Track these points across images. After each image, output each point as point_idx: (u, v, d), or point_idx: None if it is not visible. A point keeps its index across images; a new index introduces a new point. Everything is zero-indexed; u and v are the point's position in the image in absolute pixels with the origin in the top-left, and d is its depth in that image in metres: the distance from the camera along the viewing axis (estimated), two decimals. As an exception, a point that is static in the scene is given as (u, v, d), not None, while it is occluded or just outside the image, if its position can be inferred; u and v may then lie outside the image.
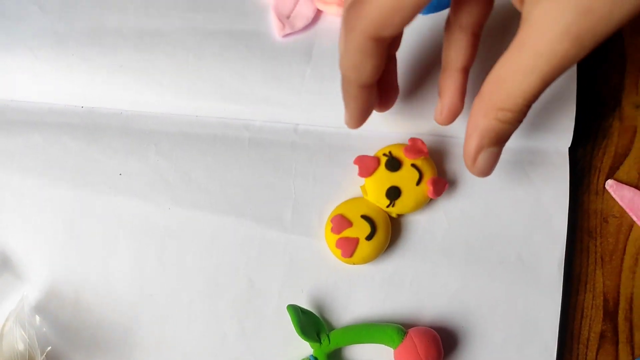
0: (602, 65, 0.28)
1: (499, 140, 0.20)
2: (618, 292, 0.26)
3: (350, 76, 0.21)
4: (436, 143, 0.27)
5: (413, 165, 0.25)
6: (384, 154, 0.25)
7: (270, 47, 0.28)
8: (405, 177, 0.25)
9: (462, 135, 0.26)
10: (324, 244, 0.26)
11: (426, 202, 0.25)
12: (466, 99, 0.23)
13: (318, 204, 0.27)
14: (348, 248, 0.24)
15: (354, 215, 0.25)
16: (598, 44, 0.17)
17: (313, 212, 0.27)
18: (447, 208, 0.26)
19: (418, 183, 0.25)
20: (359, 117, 0.23)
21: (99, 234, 0.27)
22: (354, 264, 0.25)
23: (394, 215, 0.25)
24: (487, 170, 0.20)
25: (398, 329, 0.24)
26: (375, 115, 0.26)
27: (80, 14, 0.30)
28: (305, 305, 0.26)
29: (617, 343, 0.25)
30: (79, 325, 0.27)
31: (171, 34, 0.29)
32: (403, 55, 0.27)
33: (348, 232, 0.25)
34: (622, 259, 0.26)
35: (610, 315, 0.26)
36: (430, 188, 0.25)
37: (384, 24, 0.19)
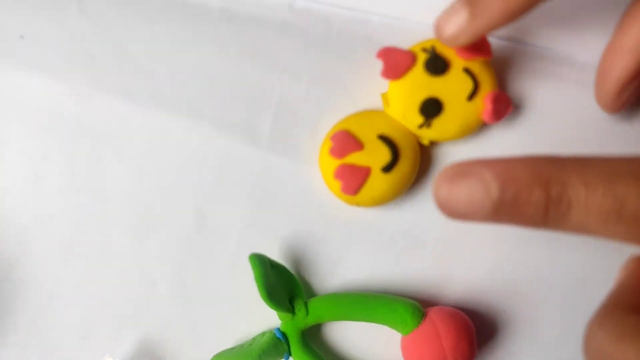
0: None
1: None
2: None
3: None
4: (501, 48, 0.18)
5: (466, 70, 0.17)
6: (424, 49, 0.17)
7: None
8: (452, 86, 0.17)
9: (542, 42, 0.18)
10: (315, 171, 0.18)
11: (477, 128, 0.17)
12: None
13: (312, 115, 0.18)
14: (353, 180, 0.16)
15: (367, 134, 0.17)
16: None
17: (303, 125, 0.18)
18: (504, 141, 0.18)
19: (471, 97, 0.16)
20: None
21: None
22: (358, 205, 0.17)
23: (425, 142, 0.17)
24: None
25: (413, 307, 0.17)
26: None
27: None
28: (277, 257, 0.18)
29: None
30: None
31: None
32: None
33: (355, 158, 0.17)
34: None
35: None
36: (489, 107, 0.16)
37: None
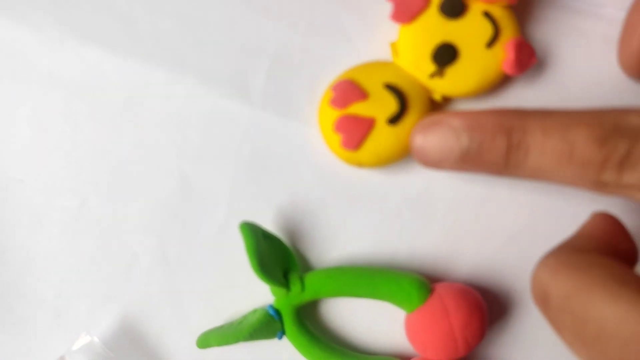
0: None
1: None
2: None
3: None
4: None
5: (486, 13, 0.15)
6: (439, -11, 0.15)
7: None
8: (469, 31, 0.15)
9: None
10: (313, 132, 0.16)
11: (496, 81, 0.15)
12: None
13: (310, 68, 0.16)
14: (355, 132, 0.14)
15: (374, 84, 0.15)
16: None
17: (301, 79, 0.16)
18: (527, 98, 0.16)
19: (490, 44, 0.15)
20: None
21: None
22: (360, 164, 0.15)
23: (437, 97, 0.15)
24: None
25: (419, 282, 0.15)
26: None
27: None
28: (270, 226, 0.17)
29: None
30: None
31: None
32: None
33: (359, 108, 0.15)
34: None
35: None
36: (511, 55, 0.14)
37: None
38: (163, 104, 0.17)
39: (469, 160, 0.14)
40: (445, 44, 0.15)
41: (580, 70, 0.17)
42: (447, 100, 0.16)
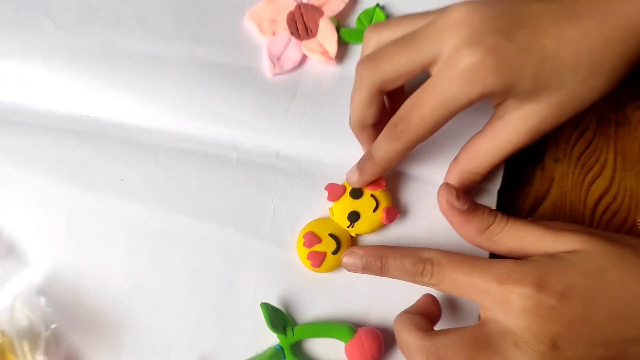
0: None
1: (467, 190, 0.29)
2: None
3: (358, 118, 0.28)
4: (394, 178, 0.32)
5: (372, 195, 0.30)
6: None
7: (261, 83, 0.33)
8: (364, 204, 0.30)
9: (419, 173, 0.31)
10: (295, 254, 0.30)
11: (380, 226, 0.31)
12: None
13: (292, 220, 0.31)
14: (317, 260, 0.30)
15: (323, 233, 0.30)
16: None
17: (288, 226, 0.31)
18: (398, 232, 0.31)
19: (374, 210, 0.30)
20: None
21: (99, 230, 0.31)
22: (319, 272, 0.30)
23: (353, 234, 0.31)
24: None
25: (349, 327, 0.30)
26: (346, 150, 0.31)
27: (92, 33, 0.33)
28: (275, 303, 0.30)
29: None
30: (78, 308, 0.31)
31: (174, 61, 0.33)
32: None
33: (317, 247, 0.30)
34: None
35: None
36: (384, 215, 0.30)
37: (388, 81, 0.25)
38: (216, 242, 0.31)
39: (366, 270, 0.27)
40: (353, 211, 0.30)
41: (426, 217, 0.31)
42: (358, 235, 0.32)
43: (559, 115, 0.25)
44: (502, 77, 0.23)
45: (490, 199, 0.32)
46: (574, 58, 0.23)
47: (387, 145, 0.26)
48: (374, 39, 0.27)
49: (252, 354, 0.30)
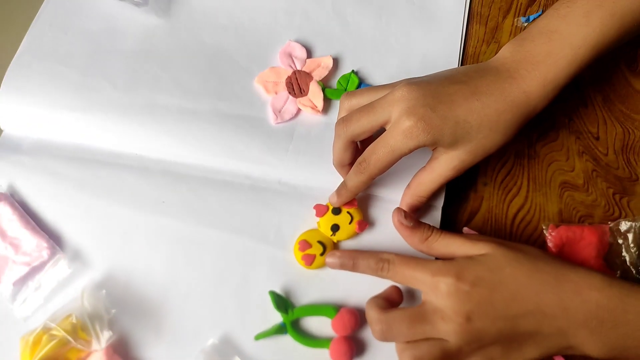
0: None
1: (415, 210, 0.38)
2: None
3: (338, 160, 0.39)
4: (365, 199, 0.43)
5: (348, 212, 0.41)
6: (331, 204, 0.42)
7: (267, 129, 0.44)
8: (342, 219, 0.41)
9: (383, 195, 0.43)
10: (292, 256, 0.40)
11: (354, 235, 0.42)
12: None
13: (290, 230, 0.41)
14: (309, 260, 0.39)
15: (313, 240, 0.41)
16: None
17: (287, 235, 0.40)
18: (368, 239, 0.41)
19: (350, 223, 0.41)
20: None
21: (145, 240, 0.41)
22: (311, 269, 0.41)
23: (335, 241, 0.42)
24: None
25: (334, 307, 0.40)
26: (329, 178, 0.42)
27: (139, 92, 0.44)
28: (279, 291, 0.39)
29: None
30: (129, 298, 0.40)
31: (202, 113, 0.44)
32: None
33: (309, 251, 0.41)
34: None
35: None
36: (357, 226, 0.41)
37: (357, 135, 0.36)
38: (234, 248, 0.42)
39: (342, 267, 0.35)
40: (335, 224, 0.41)
41: (388, 228, 0.40)
42: (339, 241, 0.42)
43: (473, 158, 0.37)
44: (429, 135, 0.34)
45: (436, 213, 0.43)
46: (477, 122, 0.35)
47: (355, 177, 0.38)
48: (346, 104, 0.38)
49: (262, 330, 0.40)
